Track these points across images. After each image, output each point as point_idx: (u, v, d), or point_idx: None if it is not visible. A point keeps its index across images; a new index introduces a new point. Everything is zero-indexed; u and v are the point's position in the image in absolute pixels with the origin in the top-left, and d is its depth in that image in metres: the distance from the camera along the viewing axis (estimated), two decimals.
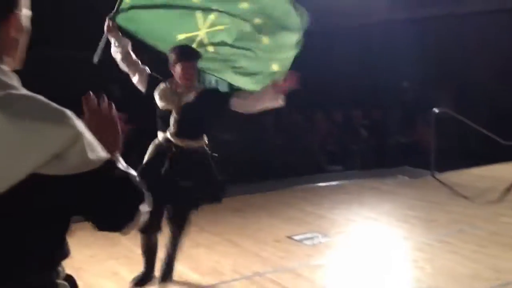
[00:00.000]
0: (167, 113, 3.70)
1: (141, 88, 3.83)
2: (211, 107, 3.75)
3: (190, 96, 3.72)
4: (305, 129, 9.31)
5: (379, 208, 6.05)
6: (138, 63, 3.85)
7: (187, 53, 3.72)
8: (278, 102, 3.59)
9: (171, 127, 3.69)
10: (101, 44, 3.83)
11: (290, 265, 4.29)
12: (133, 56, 3.85)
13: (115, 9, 3.84)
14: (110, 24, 3.81)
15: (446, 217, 5.64)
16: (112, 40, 3.83)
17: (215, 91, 4.16)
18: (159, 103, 3.72)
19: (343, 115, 9.80)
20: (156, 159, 3.71)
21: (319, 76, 10.32)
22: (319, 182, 7.41)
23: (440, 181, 7.27)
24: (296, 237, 5.00)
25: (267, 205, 6.22)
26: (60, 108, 1.20)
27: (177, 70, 3.69)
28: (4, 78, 1.24)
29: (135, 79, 3.85)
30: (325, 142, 9.45)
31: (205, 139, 3.81)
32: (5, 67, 1.26)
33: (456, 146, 9.03)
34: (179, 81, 3.71)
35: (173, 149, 3.69)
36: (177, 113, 3.69)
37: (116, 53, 3.83)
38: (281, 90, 3.54)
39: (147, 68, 3.84)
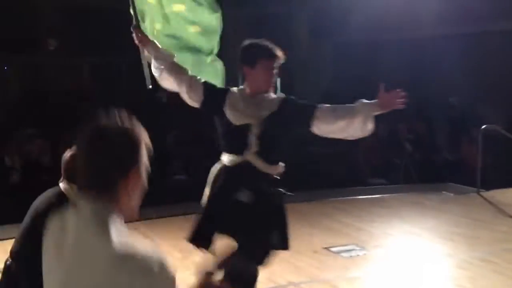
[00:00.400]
0: (241, 129, 2.94)
1: (196, 102, 3.11)
2: (294, 122, 3.01)
3: (273, 106, 2.99)
4: (350, 141, 9.23)
5: (421, 223, 5.94)
6: (185, 72, 3.14)
7: (271, 49, 2.97)
8: (367, 130, 2.93)
9: (252, 146, 2.92)
10: (145, 68, 3.33)
11: (326, 277, 4.25)
12: (179, 66, 3.17)
13: (134, 18, 3.37)
14: (139, 34, 3.24)
15: (490, 236, 5.49)
16: (152, 54, 3.18)
17: (297, 102, 3.10)
18: (232, 116, 2.96)
19: (388, 129, 9.67)
20: (226, 188, 2.96)
21: (366, 87, 10.27)
22: (360, 194, 7.32)
23: (485, 199, 7.07)
24: (334, 249, 4.96)
25: (307, 215, 6.18)
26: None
27: (257, 71, 2.97)
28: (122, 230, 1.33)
29: (184, 93, 3.12)
30: (369, 155, 9.34)
31: (282, 166, 3.03)
32: (120, 219, 1.36)
33: (503, 164, 8.77)
34: (257, 87, 3.00)
35: (250, 174, 2.93)
36: (258, 129, 2.92)
37: (157, 69, 3.16)
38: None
39: (198, 77, 3.15)
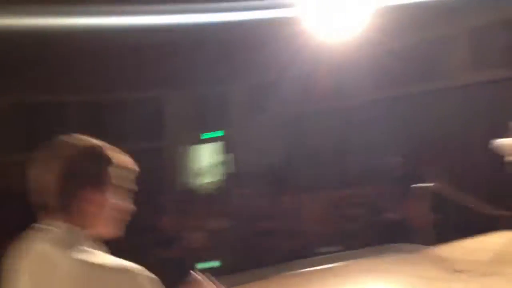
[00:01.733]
0: None
1: None
2: None
3: None
4: (294, 212, 9.24)
5: None
6: None
7: None
8: None
9: None
10: None
11: None
12: None
13: None
14: None
15: None
16: None
17: None
18: None
19: (333, 195, 9.73)
20: None
21: (309, 155, 10.39)
22: (308, 266, 7.17)
23: (433, 256, 7.04)
24: None
25: None
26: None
27: None
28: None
29: None
30: (314, 224, 9.31)
31: None
32: (87, 235, 1.32)
33: (450, 219, 8.90)
34: None
35: None
36: None
37: None
38: None
39: None
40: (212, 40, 11.04)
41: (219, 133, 14.79)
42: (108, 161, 1.37)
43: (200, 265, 7.48)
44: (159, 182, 12.24)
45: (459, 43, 10.79)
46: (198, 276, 1.72)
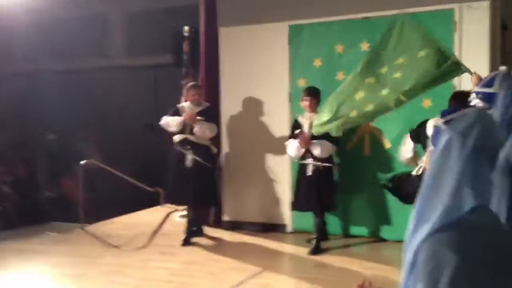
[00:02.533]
0: None
1: None
2: None
3: None
4: None
5: (27, 271, 5.61)
6: None
7: None
8: None
9: None
10: None
11: None
12: None
13: None
14: None
15: (97, 270, 5.57)
16: None
17: None
18: None
19: None
20: None
21: None
22: None
23: (89, 234, 7.18)
24: None
25: None
26: None
27: None
28: None
29: None
30: None
31: None
32: None
33: (105, 196, 9.16)
34: None
35: None
36: None
37: None
38: None
39: None
40: None
41: None
42: None
43: None
44: None
45: (119, 26, 11.15)
46: None
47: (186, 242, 6.34)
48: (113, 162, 8.75)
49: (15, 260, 6.05)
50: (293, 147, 6.00)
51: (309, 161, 5.95)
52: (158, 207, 8.34)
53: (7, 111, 10.36)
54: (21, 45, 10.37)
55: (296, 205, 6.19)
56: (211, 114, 6.47)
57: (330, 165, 5.92)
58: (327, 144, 5.81)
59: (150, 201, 8.38)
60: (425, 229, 1.57)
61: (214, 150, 6.54)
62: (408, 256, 1.60)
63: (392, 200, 6.13)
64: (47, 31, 10.22)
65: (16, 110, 10.46)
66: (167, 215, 7.59)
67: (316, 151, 5.86)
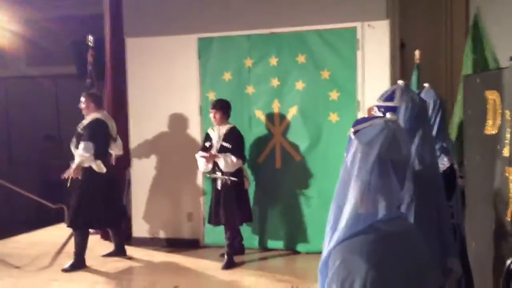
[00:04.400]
0: None
1: None
2: None
3: None
4: None
5: None
6: None
7: None
8: None
9: None
10: None
11: None
12: None
13: None
14: None
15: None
16: None
17: None
18: None
19: None
20: None
21: None
22: None
23: None
24: None
25: None
26: None
27: None
28: None
29: None
30: None
31: None
32: None
33: (5, 214, 8.66)
34: None
35: None
36: None
37: None
38: None
39: None
40: None
41: None
42: None
43: None
44: None
45: (16, 34, 10.61)
46: None
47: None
48: (13, 176, 8.31)
49: None
50: (201, 161, 6.00)
51: (218, 175, 5.95)
52: (62, 225, 7.99)
53: None
54: None
55: (209, 220, 6.17)
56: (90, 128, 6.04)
57: (236, 179, 5.90)
58: (231, 158, 5.84)
59: (55, 219, 8.02)
60: (335, 237, 1.60)
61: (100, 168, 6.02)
62: (321, 262, 1.63)
63: (307, 213, 6.26)
64: None
65: None
66: (71, 234, 7.31)
67: (221, 165, 5.88)
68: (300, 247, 6.36)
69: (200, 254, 6.44)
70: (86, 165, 5.94)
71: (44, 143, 10.52)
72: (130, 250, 6.53)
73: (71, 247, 6.19)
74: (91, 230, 6.34)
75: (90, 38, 6.96)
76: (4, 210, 8.75)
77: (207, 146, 6.02)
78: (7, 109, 10.02)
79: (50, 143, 10.53)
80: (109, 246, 6.48)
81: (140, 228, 6.94)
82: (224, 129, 6.00)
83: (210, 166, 5.96)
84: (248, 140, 6.35)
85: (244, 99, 6.48)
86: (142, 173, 6.89)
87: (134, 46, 6.85)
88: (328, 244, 1.63)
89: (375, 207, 1.60)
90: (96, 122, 6.05)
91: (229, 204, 5.91)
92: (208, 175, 6.12)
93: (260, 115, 6.46)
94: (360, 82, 6.06)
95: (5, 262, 6.33)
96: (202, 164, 5.99)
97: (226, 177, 5.89)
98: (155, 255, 6.45)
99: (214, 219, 6.04)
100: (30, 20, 10.17)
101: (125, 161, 6.84)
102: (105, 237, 6.88)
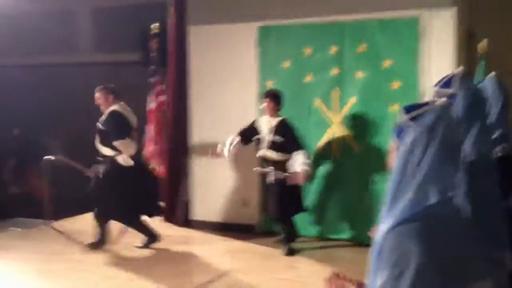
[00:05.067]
0: None
1: None
2: None
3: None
4: None
5: None
6: None
7: None
8: None
9: None
10: None
11: None
12: None
13: None
14: None
15: (64, 266, 5.56)
16: None
17: None
18: None
19: None
20: None
21: None
22: None
23: (56, 230, 7.11)
24: None
25: None
26: None
27: None
28: None
29: None
30: None
31: None
32: None
33: (72, 192, 9.04)
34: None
35: None
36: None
37: None
38: None
39: None
40: None
41: None
42: None
43: None
44: None
45: (84, 21, 11.00)
46: None
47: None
48: (80, 159, 8.64)
49: None
50: (227, 146, 5.99)
51: (269, 169, 5.91)
52: None
53: None
54: None
55: (263, 211, 6.21)
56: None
57: (287, 174, 5.78)
58: (303, 159, 5.71)
59: None
60: (390, 221, 1.62)
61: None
62: (375, 244, 1.66)
63: (363, 203, 6.16)
64: (14, 26, 10.04)
65: None
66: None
67: (300, 166, 5.71)
68: (356, 236, 6.31)
69: (256, 239, 6.50)
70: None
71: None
72: (189, 232, 6.72)
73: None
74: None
75: (154, 25, 7.13)
76: (72, 190, 9.14)
77: (256, 139, 5.97)
78: (74, 93, 10.40)
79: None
80: (171, 228, 6.67)
81: (198, 211, 7.11)
82: (274, 121, 5.92)
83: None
84: (306, 129, 6.34)
85: (303, 87, 6.48)
86: (202, 159, 7.03)
87: (197, 34, 6.98)
88: (382, 228, 1.66)
89: (430, 193, 1.61)
90: (116, 116, 5.93)
91: (281, 198, 5.86)
92: (258, 170, 6.08)
93: (319, 104, 6.44)
94: (423, 73, 5.93)
95: (72, 238, 6.66)
96: (227, 149, 5.99)
97: (280, 174, 5.83)
98: (211, 238, 6.60)
99: (266, 211, 6.09)
100: (98, 8, 10.53)
101: (183, 148, 7.02)
102: (168, 219, 7.11)
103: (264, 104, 5.97)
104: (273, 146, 5.86)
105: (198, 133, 7.08)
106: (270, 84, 6.57)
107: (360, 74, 6.23)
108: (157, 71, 7.16)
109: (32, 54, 10.44)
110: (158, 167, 7.17)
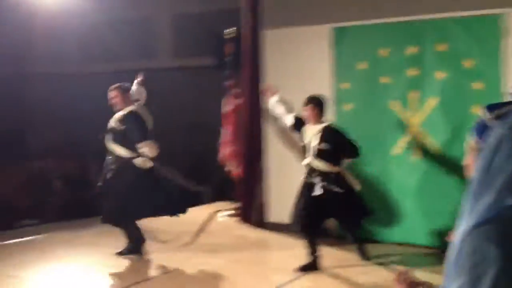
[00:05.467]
0: None
1: None
2: None
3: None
4: None
5: (77, 262, 5.86)
6: None
7: None
8: None
9: None
10: None
11: None
12: None
13: None
14: None
15: (143, 263, 5.77)
16: None
17: None
18: None
19: (37, 167, 9.29)
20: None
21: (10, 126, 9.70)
22: (8, 239, 6.78)
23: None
24: None
25: None
26: None
27: None
28: None
29: None
30: (16, 196, 8.78)
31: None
32: None
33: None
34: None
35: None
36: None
37: None
38: None
39: None
40: None
41: None
42: None
43: None
44: None
45: (163, 28, 11.39)
46: None
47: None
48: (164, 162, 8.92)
49: (65, 251, 6.31)
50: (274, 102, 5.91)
51: (317, 180, 5.44)
52: (202, 206, 8.48)
53: (58, 111, 10.73)
54: (73, 47, 10.72)
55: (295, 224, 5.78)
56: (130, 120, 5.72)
57: (341, 190, 5.39)
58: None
59: (198, 200, 8.51)
60: (470, 222, 1.58)
61: None
62: (453, 248, 1.62)
63: (443, 208, 5.91)
64: (97, 34, 10.54)
65: (67, 110, 10.79)
66: (212, 214, 7.71)
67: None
68: (434, 241, 6.15)
69: (331, 243, 6.42)
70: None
71: (188, 130, 11.17)
72: (263, 234, 6.78)
73: (210, 227, 6.56)
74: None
75: (230, 30, 7.26)
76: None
77: (301, 145, 5.66)
78: (152, 97, 10.77)
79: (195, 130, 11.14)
80: (243, 229, 6.76)
81: (274, 213, 7.16)
82: (319, 128, 5.46)
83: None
84: (381, 132, 6.25)
85: (379, 89, 6.39)
86: (277, 161, 7.08)
87: (271, 37, 7.04)
88: (460, 231, 1.63)
89: (510, 195, 1.57)
90: (138, 117, 5.77)
91: (339, 212, 5.60)
92: (305, 179, 5.58)
93: (396, 106, 6.34)
94: (506, 73, 5.70)
95: (154, 236, 6.89)
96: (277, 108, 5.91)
97: (333, 188, 5.41)
98: (286, 240, 6.62)
99: (309, 228, 5.52)
100: (176, 15, 10.87)
101: (259, 150, 7.10)
102: (244, 220, 7.21)
103: (308, 112, 5.50)
104: (321, 154, 5.43)
105: (273, 136, 7.13)
106: (345, 86, 6.53)
107: (440, 75, 6.07)
108: (232, 75, 7.30)
109: (115, 60, 10.91)
110: (235, 169, 7.31)
